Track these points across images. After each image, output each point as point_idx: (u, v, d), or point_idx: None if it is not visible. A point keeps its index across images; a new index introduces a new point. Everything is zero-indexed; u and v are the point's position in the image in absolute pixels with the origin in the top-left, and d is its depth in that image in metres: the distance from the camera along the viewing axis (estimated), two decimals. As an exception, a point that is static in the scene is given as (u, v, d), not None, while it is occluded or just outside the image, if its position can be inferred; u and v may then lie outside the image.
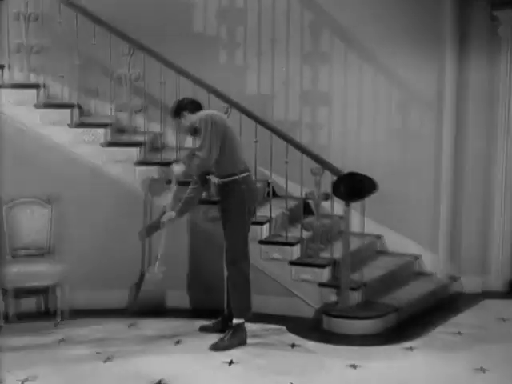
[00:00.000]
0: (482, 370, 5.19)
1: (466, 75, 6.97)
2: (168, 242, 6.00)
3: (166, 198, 5.98)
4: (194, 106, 5.70)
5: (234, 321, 5.64)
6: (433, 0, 6.92)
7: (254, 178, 5.91)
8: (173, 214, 5.89)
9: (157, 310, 6.35)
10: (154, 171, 6.47)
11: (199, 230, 6.48)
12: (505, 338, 5.96)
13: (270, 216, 6.44)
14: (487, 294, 7.06)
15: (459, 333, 5.99)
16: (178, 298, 6.58)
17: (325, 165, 6.23)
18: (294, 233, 6.50)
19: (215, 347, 5.56)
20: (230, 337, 5.61)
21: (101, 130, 6.46)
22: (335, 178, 6.10)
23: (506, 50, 6.99)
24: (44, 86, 6.50)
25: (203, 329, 5.93)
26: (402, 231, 7.21)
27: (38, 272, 6.06)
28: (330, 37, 7.19)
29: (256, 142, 6.37)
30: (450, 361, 5.40)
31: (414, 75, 7.05)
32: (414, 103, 7.13)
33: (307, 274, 6.30)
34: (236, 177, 5.57)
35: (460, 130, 7.01)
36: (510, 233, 7.21)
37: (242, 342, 5.62)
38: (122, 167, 6.46)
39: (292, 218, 6.62)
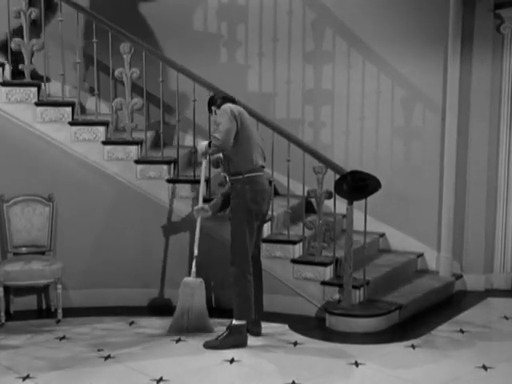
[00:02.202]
0: (485, 368, 5.16)
1: (469, 74, 6.94)
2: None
3: (200, 174, 5.94)
4: (224, 101, 5.65)
5: (233, 321, 5.58)
6: (436, -1, 6.92)
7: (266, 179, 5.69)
8: (206, 206, 5.84)
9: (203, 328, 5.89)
10: (154, 169, 6.45)
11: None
12: (508, 336, 5.93)
13: (272, 214, 6.42)
14: (490, 292, 7.04)
15: (462, 331, 5.96)
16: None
17: (327, 163, 6.20)
18: (297, 231, 6.47)
19: (206, 344, 5.54)
20: (225, 337, 5.56)
21: (101, 128, 6.44)
22: (338, 176, 6.07)
23: (508, 48, 6.97)
24: (45, 84, 6.48)
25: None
26: (404, 229, 7.20)
27: (38, 270, 6.04)
28: (332, 35, 7.18)
29: (258, 140, 6.35)
30: (452, 359, 5.37)
31: (417, 74, 7.04)
32: (417, 102, 7.11)
33: (309, 272, 6.28)
34: (240, 176, 5.51)
35: (463, 129, 6.98)
36: (513, 231, 7.20)
37: (239, 344, 5.53)
38: (122, 165, 6.43)
39: (294, 217, 6.58)
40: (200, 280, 5.85)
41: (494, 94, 6.98)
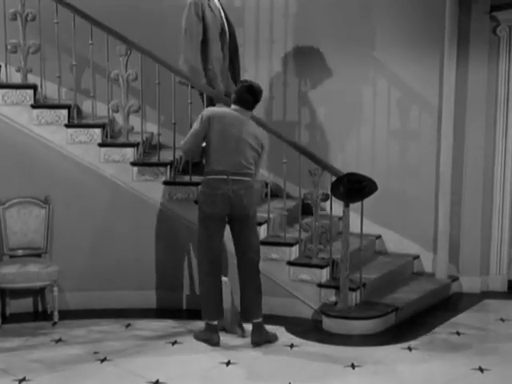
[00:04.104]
0: (481, 370, 5.17)
1: (465, 76, 6.94)
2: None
3: None
4: (234, 98, 5.66)
5: None
6: (432, 1, 6.90)
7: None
8: None
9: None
10: (149, 171, 6.44)
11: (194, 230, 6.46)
12: (504, 338, 5.94)
13: (268, 216, 6.42)
14: (486, 294, 7.02)
15: (458, 333, 5.96)
16: (175, 298, 6.57)
17: (323, 165, 6.20)
18: (293, 233, 6.47)
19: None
20: (201, 330, 5.72)
21: (97, 131, 6.43)
22: (334, 178, 6.07)
23: (504, 50, 6.97)
24: (41, 87, 6.47)
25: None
26: (401, 231, 7.20)
27: (34, 272, 6.03)
28: (333, 36, 7.16)
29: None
30: (449, 361, 5.38)
31: (414, 76, 7.04)
32: (414, 104, 7.11)
33: (306, 274, 6.28)
34: (202, 177, 5.68)
35: (459, 131, 6.98)
36: (509, 233, 7.18)
37: (208, 342, 5.64)
38: (119, 167, 6.43)
39: (291, 219, 6.58)
40: (225, 279, 5.89)
41: (490, 96, 6.98)
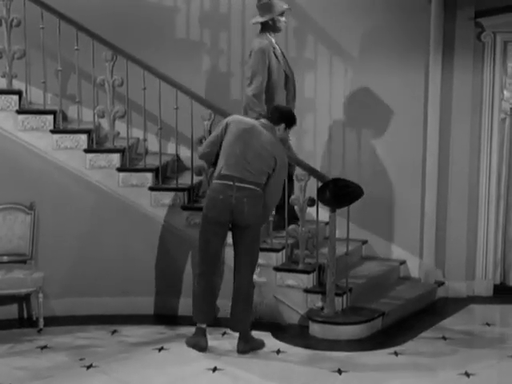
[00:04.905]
0: (467, 374, 5.19)
1: (450, 81, 6.98)
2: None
3: None
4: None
5: None
6: (417, 7, 6.93)
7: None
8: None
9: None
10: (136, 177, 6.43)
11: (179, 236, 6.47)
12: (490, 342, 5.97)
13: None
14: (472, 299, 7.05)
15: (444, 338, 5.97)
16: (161, 304, 6.56)
17: (310, 171, 6.20)
18: (279, 239, 6.46)
19: None
20: (192, 335, 5.71)
21: (83, 136, 6.42)
22: (320, 183, 6.07)
23: (489, 56, 7.02)
24: (26, 92, 6.45)
25: None
26: (387, 237, 7.21)
27: (19, 278, 6.00)
28: (314, 43, 7.18)
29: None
30: (435, 366, 5.40)
31: (399, 82, 7.05)
32: (399, 109, 7.12)
33: (292, 280, 6.27)
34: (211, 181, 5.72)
35: (444, 137, 7.01)
36: (494, 238, 7.23)
37: (195, 347, 5.64)
38: (105, 173, 6.41)
39: (277, 224, 6.57)
40: None
41: (475, 102, 7.02)
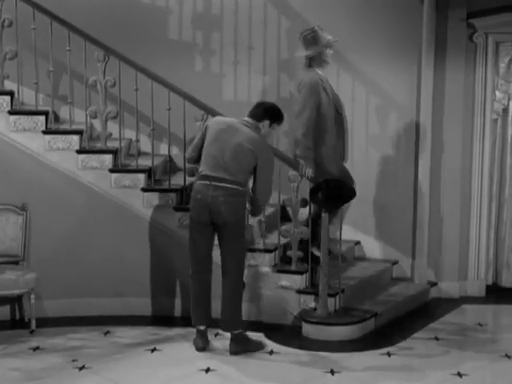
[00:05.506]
0: (460, 375, 5.20)
1: (442, 82, 6.99)
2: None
3: None
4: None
5: None
6: (410, 8, 6.95)
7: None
8: None
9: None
10: (128, 178, 6.42)
11: (171, 236, 6.46)
12: (482, 343, 5.99)
13: (248, 223, 6.40)
14: (465, 300, 7.07)
15: (437, 338, 5.98)
16: (154, 305, 6.56)
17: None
18: (272, 240, 6.47)
19: None
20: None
21: (75, 137, 6.41)
22: (313, 184, 6.07)
23: (481, 57, 7.03)
24: (18, 93, 6.44)
25: None
26: (380, 237, 7.22)
27: (11, 280, 5.97)
28: (306, 44, 7.19)
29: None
30: (427, 366, 5.40)
31: (392, 82, 7.07)
32: (392, 110, 7.15)
33: (285, 280, 6.27)
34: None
35: (437, 137, 7.03)
36: (486, 239, 7.25)
37: (196, 347, 5.66)
38: (97, 174, 6.40)
39: (270, 225, 6.57)
40: None
41: (467, 103, 7.04)
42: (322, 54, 6.22)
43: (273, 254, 6.39)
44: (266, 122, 5.63)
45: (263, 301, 6.33)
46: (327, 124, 6.20)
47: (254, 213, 5.82)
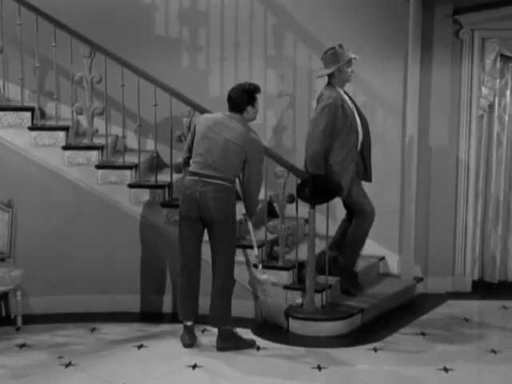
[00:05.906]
0: (446, 370, 5.23)
1: (428, 78, 7.01)
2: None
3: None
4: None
5: None
6: (397, 6, 6.95)
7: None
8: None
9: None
10: (115, 174, 6.41)
11: (159, 233, 6.46)
12: (468, 338, 6.01)
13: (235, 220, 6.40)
14: (451, 295, 7.10)
15: (423, 333, 6.01)
16: (141, 301, 6.55)
17: (289, 168, 6.20)
18: (259, 235, 6.46)
19: None
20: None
21: (61, 133, 6.39)
22: (300, 180, 6.08)
23: (467, 53, 7.06)
24: (3, 89, 6.41)
25: None
26: (366, 233, 7.22)
27: (-3, 276, 5.97)
28: (293, 41, 7.18)
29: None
30: (413, 361, 5.43)
31: (378, 79, 7.07)
32: (378, 107, 7.15)
33: (272, 276, 6.26)
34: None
35: (423, 134, 7.05)
36: (472, 234, 7.29)
37: (182, 342, 5.68)
38: (83, 170, 6.38)
39: (256, 221, 6.57)
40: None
41: (453, 99, 7.07)
42: (341, 71, 6.11)
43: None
44: (249, 108, 5.60)
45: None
46: (336, 143, 6.10)
47: (249, 210, 5.78)
